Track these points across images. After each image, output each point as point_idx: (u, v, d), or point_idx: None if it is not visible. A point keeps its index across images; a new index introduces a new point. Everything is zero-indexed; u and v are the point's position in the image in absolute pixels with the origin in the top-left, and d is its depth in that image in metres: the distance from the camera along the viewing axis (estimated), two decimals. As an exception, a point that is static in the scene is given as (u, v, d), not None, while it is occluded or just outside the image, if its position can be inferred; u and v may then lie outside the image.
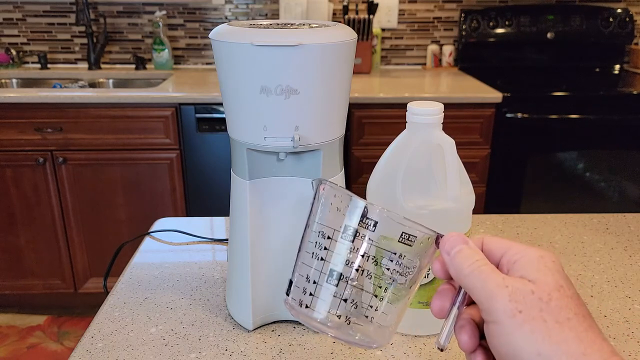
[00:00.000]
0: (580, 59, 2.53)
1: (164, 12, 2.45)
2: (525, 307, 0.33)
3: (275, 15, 2.50)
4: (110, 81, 2.43)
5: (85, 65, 2.53)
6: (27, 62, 2.53)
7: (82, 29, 2.48)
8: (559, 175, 2.14)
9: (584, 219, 0.99)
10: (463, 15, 2.45)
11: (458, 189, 0.60)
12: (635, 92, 2.09)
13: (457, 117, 2.02)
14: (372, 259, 0.39)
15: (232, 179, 0.67)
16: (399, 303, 0.40)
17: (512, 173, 2.13)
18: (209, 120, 2.00)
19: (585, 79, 2.38)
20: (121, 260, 0.94)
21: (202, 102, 1.97)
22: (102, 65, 2.53)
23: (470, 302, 0.38)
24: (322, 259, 0.40)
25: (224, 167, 2.06)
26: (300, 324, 0.69)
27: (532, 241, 0.91)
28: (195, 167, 2.06)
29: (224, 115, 1.94)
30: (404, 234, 0.38)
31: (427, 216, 0.60)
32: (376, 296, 0.39)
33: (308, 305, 0.40)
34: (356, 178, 2.11)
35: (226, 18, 2.50)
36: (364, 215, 0.38)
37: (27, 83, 2.41)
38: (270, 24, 0.63)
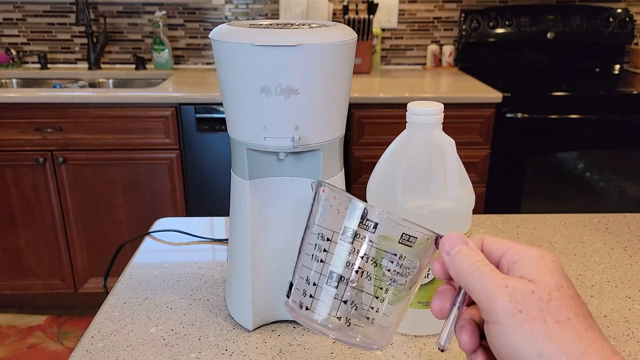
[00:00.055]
0: (580, 59, 2.53)
1: (164, 12, 2.45)
2: (525, 307, 0.33)
3: (275, 15, 2.50)
4: (110, 81, 2.43)
5: (85, 65, 2.53)
6: (27, 62, 2.53)
7: (82, 29, 2.48)
8: (559, 175, 2.14)
9: (584, 219, 0.99)
10: (463, 15, 2.45)
11: (458, 189, 0.60)
12: (635, 92, 2.09)
13: (457, 117, 2.02)
14: (372, 260, 0.39)
15: (232, 179, 0.67)
16: (400, 304, 0.40)
17: (512, 173, 2.13)
18: (209, 120, 2.00)
19: (585, 79, 2.38)
20: (121, 260, 0.94)
21: (202, 102, 1.97)
22: (102, 65, 2.54)
23: (471, 302, 0.38)
24: (321, 261, 0.40)
25: (224, 167, 2.06)
26: (300, 324, 0.69)
27: (532, 241, 0.91)
28: (195, 167, 2.06)
29: (224, 115, 1.94)
30: (404, 235, 0.38)
31: (427, 216, 0.60)
32: (376, 297, 0.39)
33: (308, 307, 0.40)
34: (356, 178, 2.11)
35: (226, 18, 2.50)
36: (363, 217, 0.38)
37: (27, 83, 2.41)
38: (270, 24, 0.63)
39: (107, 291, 0.80)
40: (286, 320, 0.69)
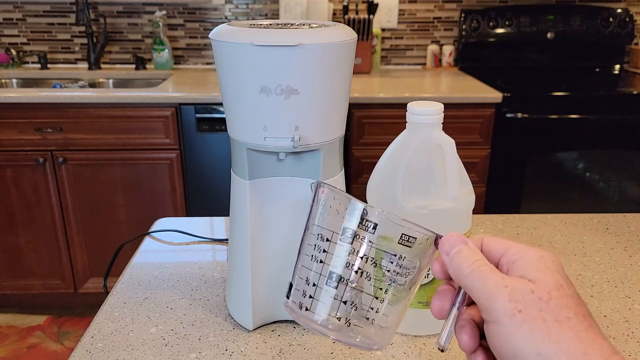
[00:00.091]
0: (580, 59, 2.53)
1: (164, 12, 2.45)
2: (524, 307, 0.33)
3: (275, 15, 2.50)
4: (110, 81, 2.43)
5: (85, 65, 2.53)
6: (27, 62, 2.53)
7: (82, 29, 2.48)
8: (559, 175, 2.14)
9: (584, 219, 0.99)
10: (463, 15, 2.45)
11: (458, 189, 0.60)
12: (635, 92, 2.09)
13: (457, 117, 2.02)
14: (372, 260, 0.39)
15: (232, 179, 0.67)
16: (399, 304, 0.40)
17: (512, 173, 2.13)
18: (209, 120, 2.00)
19: (585, 79, 2.38)
20: (121, 260, 0.94)
21: (202, 102, 1.97)
22: (102, 65, 2.54)
23: (470, 302, 0.38)
24: (321, 261, 0.40)
25: (224, 167, 2.06)
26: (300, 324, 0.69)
27: (532, 241, 0.91)
28: (195, 167, 2.06)
29: (224, 115, 1.94)
30: (404, 236, 0.38)
31: (427, 216, 0.60)
32: (376, 298, 0.39)
33: (308, 308, 0.40)
34: (356, 178, 2.11)
35: (226, 18, 2.50)
36: (363, 218, 0.38)
37: (27, 83, 2.41)
38: (270, 24, 0.63)
39: (107, 291, 0.80)
40: (286, 321, 0.69)
